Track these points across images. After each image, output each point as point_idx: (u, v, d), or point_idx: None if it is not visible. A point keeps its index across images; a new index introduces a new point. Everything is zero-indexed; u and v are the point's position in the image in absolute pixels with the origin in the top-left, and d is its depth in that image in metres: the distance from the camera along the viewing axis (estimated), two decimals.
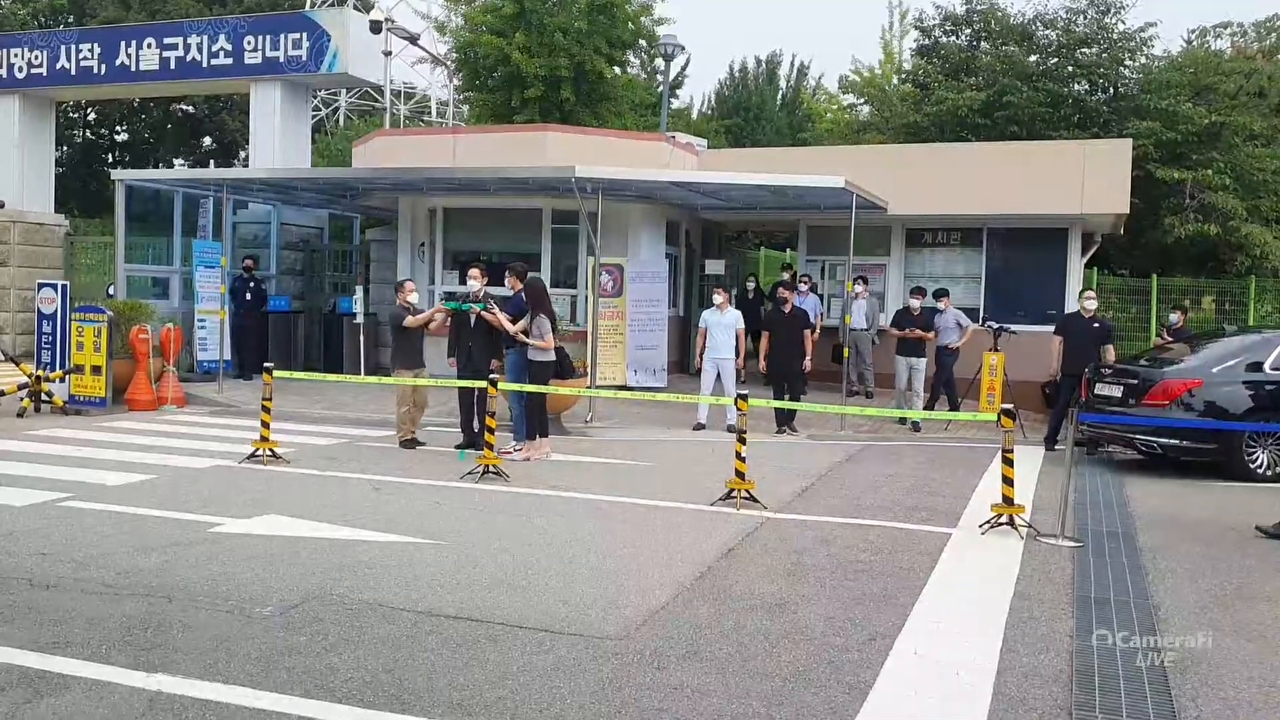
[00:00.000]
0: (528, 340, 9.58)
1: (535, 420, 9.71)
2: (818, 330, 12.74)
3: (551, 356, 9.68)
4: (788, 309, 12.16)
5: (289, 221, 18.10)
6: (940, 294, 13.20)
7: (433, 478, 8.71)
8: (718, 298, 11.86)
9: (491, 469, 8.61)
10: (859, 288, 14.16)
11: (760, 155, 18.23)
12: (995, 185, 14.83)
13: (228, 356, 15.06)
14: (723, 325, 11.75)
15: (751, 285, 15.56)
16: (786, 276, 15.76)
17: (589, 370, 12.01)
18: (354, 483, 8.41)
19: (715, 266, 17.61)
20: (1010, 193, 14.75)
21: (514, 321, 9.75)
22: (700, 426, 11.84)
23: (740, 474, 7.76)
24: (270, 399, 9.24)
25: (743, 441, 7.76)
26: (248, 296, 16.02)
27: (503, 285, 10.39)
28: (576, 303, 15.40)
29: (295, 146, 18.66)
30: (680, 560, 6.25)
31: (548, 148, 14.66)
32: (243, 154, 33.82)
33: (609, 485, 8.55)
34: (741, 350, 12.10)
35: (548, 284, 15.01)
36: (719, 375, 11.80)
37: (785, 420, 11.91)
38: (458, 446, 10.21)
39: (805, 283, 14.94)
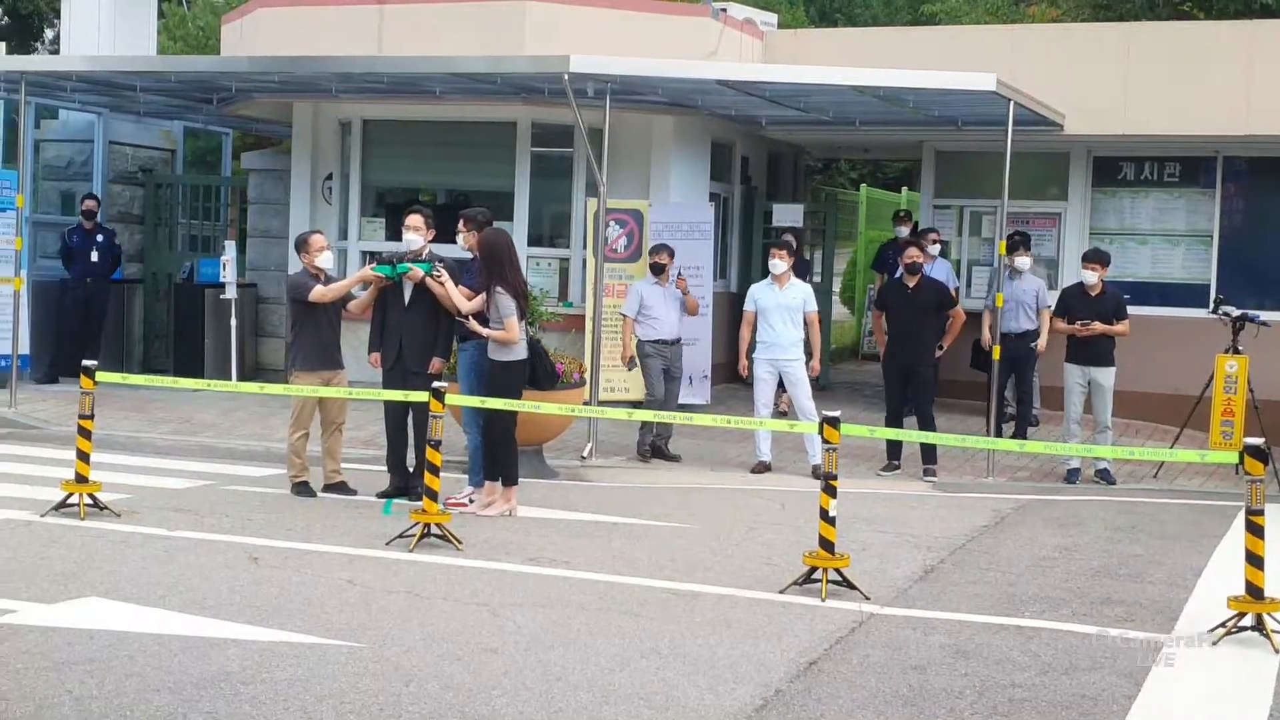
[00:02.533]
0: (481, 329, 9.61)
1: (501, 457, 9.73)
2: (963, 315, 12.74)
3: (520, 354, 9.70)
4: (914, 282, 12.19)
5: (122, 140, 18.23)
6: (1017, 243, 13.32)
7: (344, 542, 8.73)
8: (778, 263, 11.89)
9: (435, 530, 8.64)
10: (1021, 260, 14.06)
11: (861, 39, 18.21)
12: (1241, 86, 14.76)
13: (26, 350, 15.17)
14: (783, 307, 11.79)
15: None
16: (905, 231, 15.73)
17: (587, 377, 12.03)
18: (221, 549, 8.44)
19: (789, 213, 17.60)
20: (1267, 99, 14.67)
21: (471, 298, 9.78)
22: (764, 467, 11.88)
23: (828, 544, 7.75)
24: (91, 417, 9.29)
25: (832, 493, 7.75)
26: (94, 257, 16.20)
27: (455, 242, 10.42)
28: (569, 271, 15.45)
29: (132, 22, 18.81)
30: (733, 679, 6.23)
31: (527, 25, 14.72)
32: (51, 33, 34.03)
33: (619, 559, 8.55)
34: (816, 346, 12.10)
35: (521, 240, 15.09)
36: (781, 385, 11.83)
37: (928, 458, 12.10)
38: (381, 495, 10.25)
39: (931, 240, 14.94)
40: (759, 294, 12.03)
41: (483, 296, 9.69)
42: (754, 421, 10.92)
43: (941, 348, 12.46)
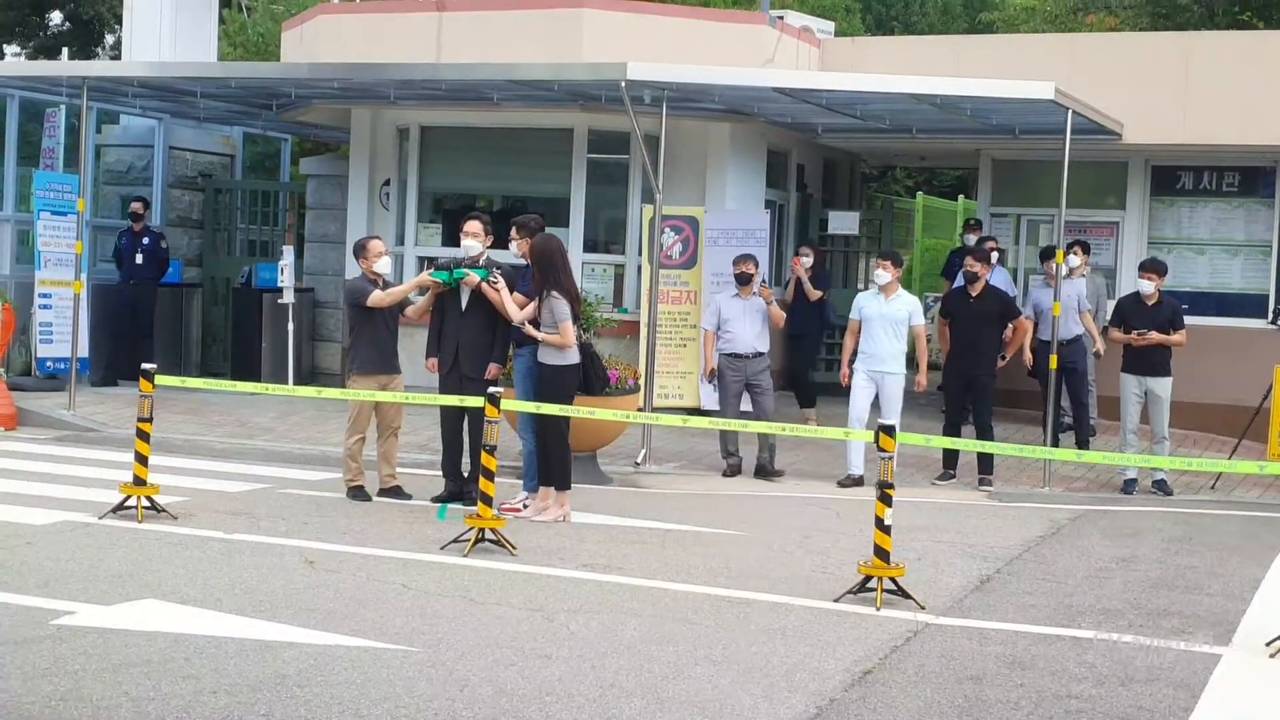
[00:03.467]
0: (536, 334, 9.62)
1: (555, 462, 9.74)
2: (1028, 324, 12.60)
3: (572, 359, 9.71)
4: (976, 290, 12.07)
5: (182, 145, 18.40)
6: (1072, 247, 13.24)
7: (399, 546, 8.75)
8: (882, 274, 11.81)
9: (489, 535, 8.64)
10: (1074, 259, 13.95)
11: (918, 46, 18.09)
12: None
13: (84, 353, 15.31)
14: (886, 319, 11.66)
15: (807, 259, 14.87)
16: (972, 240, 15.68)
17: (642, 383, 12.01)
18: (277, 552, 8.48)
19: (844, 221, 17.55)
20: None
21: (524, 306, 9.79)
22: (855, 481, 11.74)
23: (883, 553, 7.69)
24: (150, 420, 9.36)
25: (887, 502, 7.68)
26: (139, 260, 16.35)
27: (508, 248, 10.41)
28: (624, 277, 15.45)
29: (193, 28, 18.99)
30: (787, 688, 6.19)
31: (584, 33, 14.73)
32: (111, 39, 34.45)
33: (673, 566, 8.53)
34: (922, 360, 11.97)
35: (577, 246, 15.10)
36: (878, 397, 11.70)
37: (984, 468, 11.96)
38: (436, 499, 10.27)
39: (989, 248, 14.83)
40: (864, 303, 11.84)
41: (533, 305, 9.69)
42: (811, 429, 10.84)
43: (1004, 358, 12.31)
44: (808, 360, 15.07)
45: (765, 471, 11.91)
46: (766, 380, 12.04)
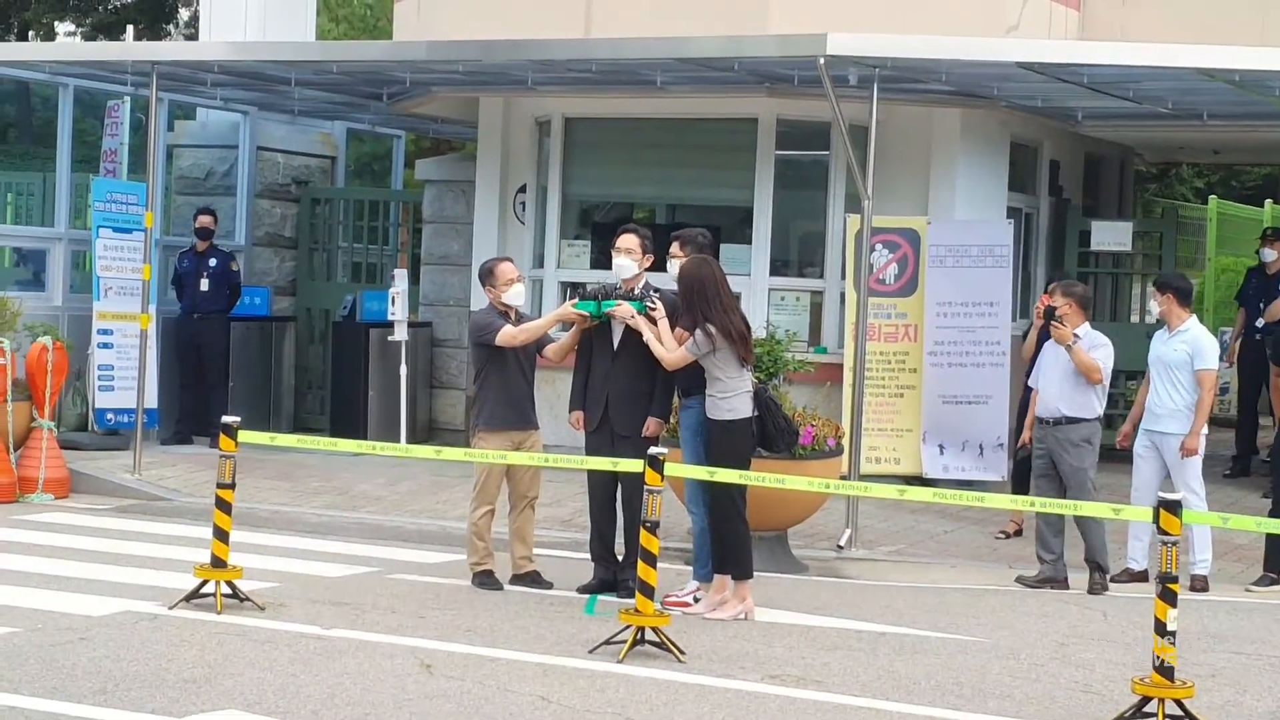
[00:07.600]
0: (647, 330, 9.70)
1: (729, 544, 9.76)
2: None
3: (743, 411, 9.73)
4: None
5: (272, 145, 18.80)
6: None
7: (536, 648, 8.83)
8: (1153, 305, 11.61)
9: (651, 636, 8.67)
10: None
11: (1209, 6, 17.77)
12: None
13: (152, 403, 15.64)
14: (1160, 362, 11.44)
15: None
16: (1273, 255, 15.37)
17: (846, 443, 11.96)
18: (385, 652, 8.60)
19: (1112, 234, 17.30)
20: None
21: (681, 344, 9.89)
22: (1134, 576, 11.46)
23: (1165, 668, 7.55)
24: (232, 486, 9.59)
25: (1171, 601, 7.53)
26: (204, 286, 16.70)
27: (666, 269, 10.47)
28: (823, 307, 15.42)
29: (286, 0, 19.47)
30: None
31: (770, 1, 14.80)
32: (186, 14, 35.58)
33: (887, 679, 8.48)
34: (1200, 415, 11.30)
35: (762, 267, 15.11)
36: (1166, 468, 11.41)
37: None
38: (583, 589, 10.35)
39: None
40: (1152, 344, 11.63)
41: (683, 349, 9.71)
42: (1062, 504, 10.66)
43: None
44: None
45: (1095, 586, 11.22)
46: (1072, 458, 11.21)
